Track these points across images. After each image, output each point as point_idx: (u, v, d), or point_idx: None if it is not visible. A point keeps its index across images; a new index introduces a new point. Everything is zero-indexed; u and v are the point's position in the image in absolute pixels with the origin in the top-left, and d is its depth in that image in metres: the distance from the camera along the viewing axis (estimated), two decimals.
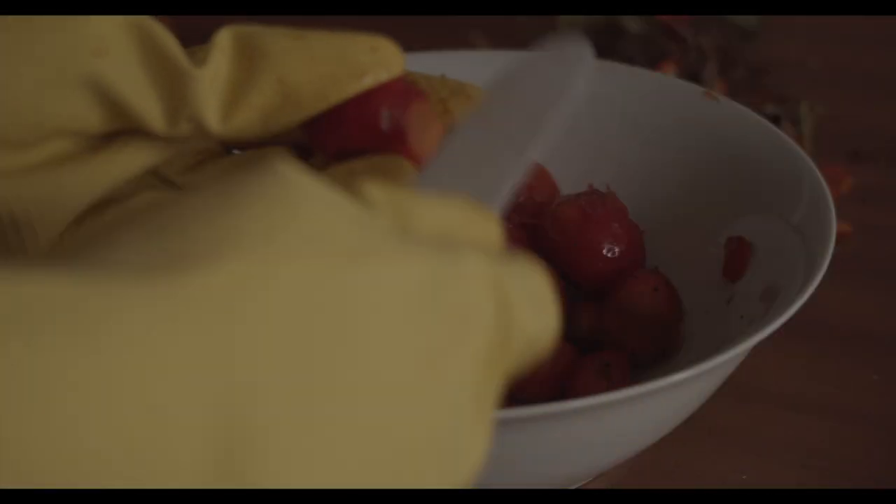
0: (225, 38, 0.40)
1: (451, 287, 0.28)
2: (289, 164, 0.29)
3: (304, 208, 0.27)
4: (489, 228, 0.32)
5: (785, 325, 0.48)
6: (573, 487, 0.53)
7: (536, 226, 0.60)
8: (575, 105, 0.36)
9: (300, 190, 0.28)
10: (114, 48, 0.39)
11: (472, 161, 0.35)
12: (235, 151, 0.44)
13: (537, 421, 0.45)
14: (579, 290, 0.59)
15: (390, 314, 0.27)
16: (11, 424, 0.22)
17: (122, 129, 0.40)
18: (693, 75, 0.79)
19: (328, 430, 0.26)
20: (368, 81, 0.40)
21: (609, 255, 0.58)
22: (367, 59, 0.40)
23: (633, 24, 0.82)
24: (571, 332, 0.57)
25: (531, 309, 0.31)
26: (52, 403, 0.23)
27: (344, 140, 0.41)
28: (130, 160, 0.42)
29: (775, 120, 0.75)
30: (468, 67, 0.68)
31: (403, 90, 0.41)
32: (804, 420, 0.58)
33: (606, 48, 0.82)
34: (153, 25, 0.39)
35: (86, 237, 0.36)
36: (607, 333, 0.57)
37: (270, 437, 0.25)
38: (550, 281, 0.32)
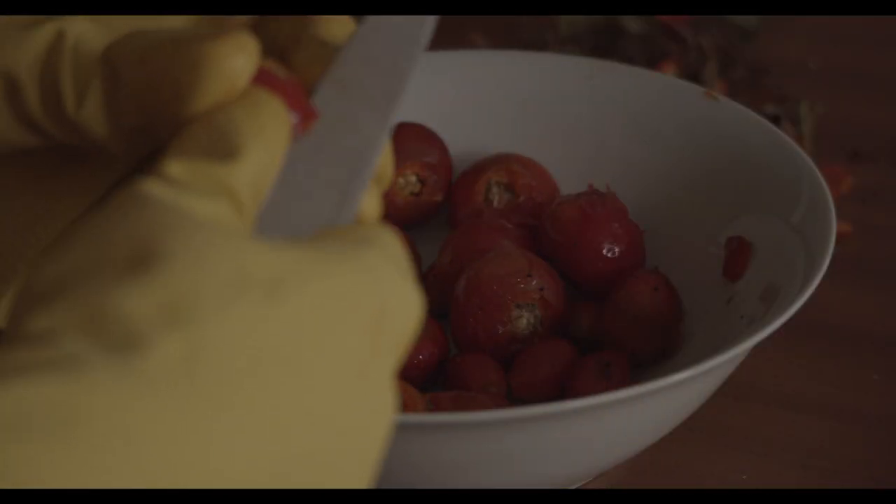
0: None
1: (362, 290, 0.30)
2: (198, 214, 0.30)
3: (216, 256, 0.28)
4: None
5: (785, 325, 0.48)
6: (573, 487, 0.53)
7: (536, 226, 0.60)
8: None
9: (207, 236, 0.29)
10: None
11: (335, 130, 0.35)
12: None
13: (537, 421, 0.45)
14: (579, 290, 0.59)
15: (315, 338, 0.29)
16: None
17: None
18: (693, 75, 0.79)
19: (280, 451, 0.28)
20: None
21: (609, 255, 0.58)
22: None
23: (633, 24, 0.82)
24: (571, 332, 0.57)
25: (408, 285, 0.32)
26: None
27: None
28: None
29: (775, 120, 0.75)
30: (468, 67, 0.68)
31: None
32: (804, 420, 0.58)
33: (606, 48, 0.82)
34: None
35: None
36: (607, 333, 0.57)
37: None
38: (403, 244, 0.33)
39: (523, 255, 0.57)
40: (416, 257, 0.62)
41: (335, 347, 0.29)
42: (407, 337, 0.31)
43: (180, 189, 0.31)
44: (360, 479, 0.30)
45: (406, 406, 0.51)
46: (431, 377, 0.56)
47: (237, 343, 0.27)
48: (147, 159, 0.39)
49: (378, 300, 0.30)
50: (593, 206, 0.58)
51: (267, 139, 0.33)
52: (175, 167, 0.31)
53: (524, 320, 0.56)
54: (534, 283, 0.56)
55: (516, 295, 0.55)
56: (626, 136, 0.65)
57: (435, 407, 0.52)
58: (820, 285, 0.50)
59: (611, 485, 0.54)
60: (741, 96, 0.78)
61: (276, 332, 0.28)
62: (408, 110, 0.60)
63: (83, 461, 0.25)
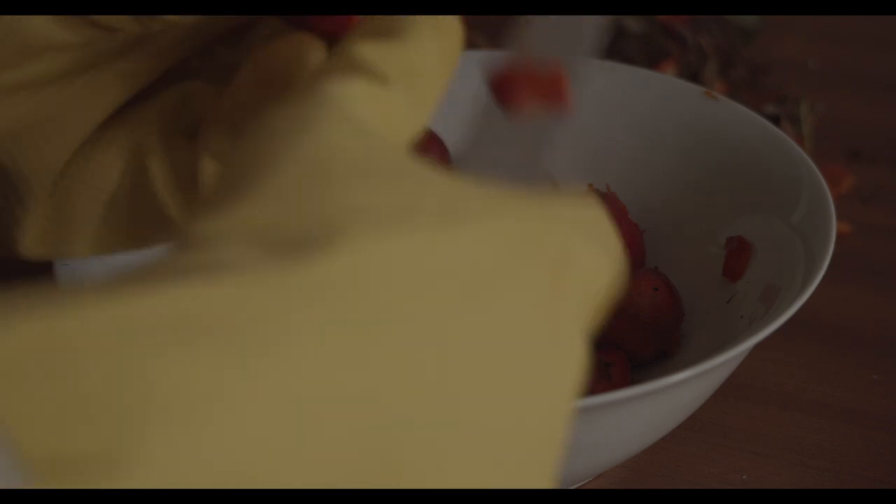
0: None
1: (543, 232, 0.28)
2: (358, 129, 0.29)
3: (389, 179, 0.27)
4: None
5: (785, 325, 0.48)
6: (573, 487, 0.53)
7: None
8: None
9: (379, 159, 0.28)
10: None
11: None
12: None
13: None
14: None
15: (491, 273, 0.27)
16: (168, 433, 0.22)
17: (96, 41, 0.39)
18: (693, 75, 0.79)
19: (466, 413, 0.25)
20: None
21: None
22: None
23: (633, 24, 0.82)
24: None
25: (598, 249, 0.30)
26: (206, 415, 0.23)
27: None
28: (116, 80, 0.40)
29: (775, 120, 0.75)
30: (468, 67, 0.68)
31: None
32: (804, 420, 0.58)
33: (606, 48, 0.82)
34: None
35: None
36: (607, 333, 0.57)
37: (419, 433, 0.25)
38: (608, 214, 0.31)
39: None
40: None
41: (513, 282, 0.27)
42: (595, 296, 0.29)
43: (363, 86, 0.30)
44: (541, 459, 0.27)
45: None
46: None
47: (408, 264, 0.26)
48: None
49: (560, 246, 0.28)
50: None
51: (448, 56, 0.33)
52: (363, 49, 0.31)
53: None
54: None
55: None
56: (625, 136, 0.65)
57: None
58: (820, 285, 0.50)
59: (611, 485, 0.54)
60: (741, 96, 0.78)
61: (450, 257, 0.26)
62: None
63: (240, 366, 0.23)
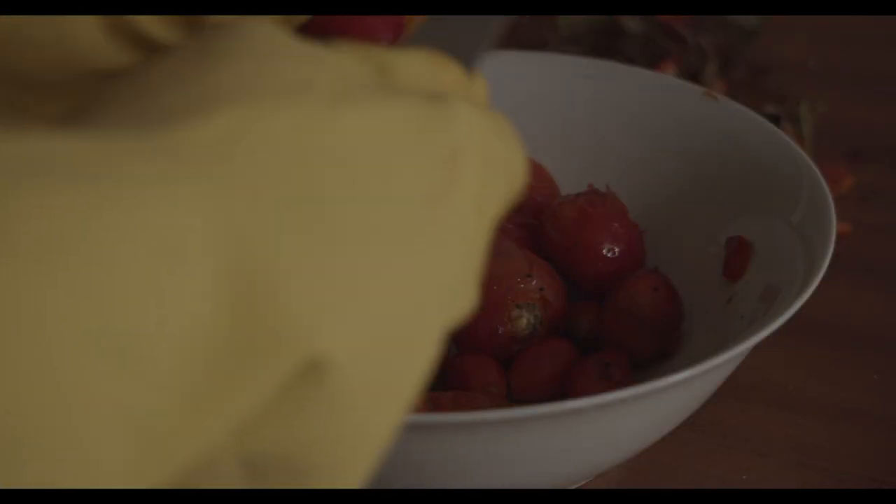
0: None
1: (439, 128, 0.28)
2: (265, 24, 0.29)
3: (284, 60, 0.28)
4: (460, 76, 0.33)
5: (785, 325, 0.48)
6: (573, 487, 0.53)
7: (536, 226, 0.60)
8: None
9: (277, 43, 0.28)
10: None
11: (443, 35, 0.35)
12: None
13: (537, 421, 0.45)
14: (579, 290, 0.59)
15: (383, 156, 0.27)
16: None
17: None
18: (693, 75, 0.79)
19: (341, 274, 0.26)
20: None
21: (609, 255, 0.58)
22: None
23: (633, 24, 0.82)
24: (571, 332, 0.57)
25: (506, 146, 0.30)
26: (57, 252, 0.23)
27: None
28: None
29: (775, 120, 0.75)
30: None
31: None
32: (804, 420, 0.58)
33: (606, 48, 0.82)
34: None
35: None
36: (607, 333, 0.57)
37: (290, 280, 0.25)
38: (506, 119, 0.32)
39: (523, 255, 0.57)
40: None
41: (402, 170, 0.27)
42: (496, 192, 0.30)
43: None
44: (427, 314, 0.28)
45: None
46: (431, 377, 0.56)
47: (287, 138, 0.26)
48: None
49: (453, 138, 0.29)
50: (593, 206, 0.58)
51: None
52: (351, 47, 0.31)
53: (524, 320, 0.56)
54: (534, 283, 0.56)
55: (516, 295, 0.55)
56: (625, 136, 0.65)
57: (435, 407, 0.52)
58: (820, 285, 0.50)
59: (611, 485, 0.54)
60: (741, 96, 0.78)
61: (333, 137, 0.26)
62: None
63: (94, 205, 0.23)
